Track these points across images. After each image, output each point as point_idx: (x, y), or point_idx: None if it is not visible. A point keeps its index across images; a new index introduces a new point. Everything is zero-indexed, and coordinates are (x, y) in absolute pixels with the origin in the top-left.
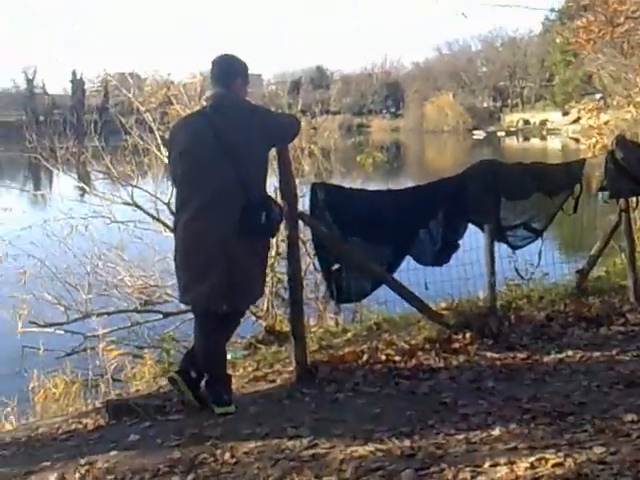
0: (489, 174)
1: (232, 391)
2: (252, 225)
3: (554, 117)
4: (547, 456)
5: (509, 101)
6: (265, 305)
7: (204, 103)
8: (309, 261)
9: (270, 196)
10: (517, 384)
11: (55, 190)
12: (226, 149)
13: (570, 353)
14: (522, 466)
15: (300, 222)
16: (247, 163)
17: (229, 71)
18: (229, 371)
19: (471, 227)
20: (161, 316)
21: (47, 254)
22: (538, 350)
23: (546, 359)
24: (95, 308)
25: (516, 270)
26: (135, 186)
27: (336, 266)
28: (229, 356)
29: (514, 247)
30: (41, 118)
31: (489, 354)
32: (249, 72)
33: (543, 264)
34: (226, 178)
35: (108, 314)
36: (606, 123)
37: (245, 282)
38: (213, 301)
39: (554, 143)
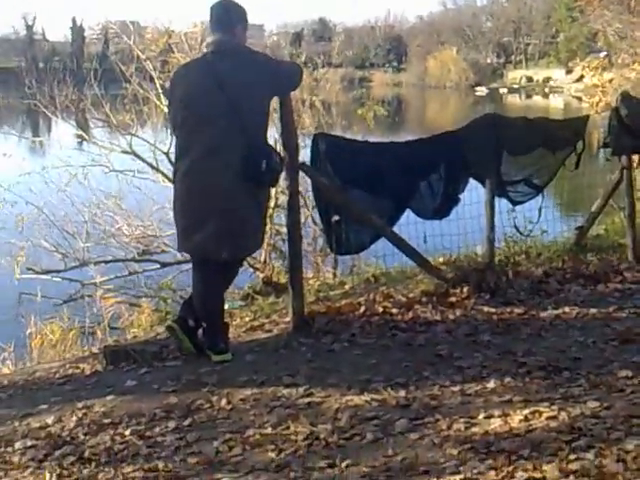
0: (492, 128)
1: (229, 339)
2: (252, 173)
3: (557, 75)
4: (541, 409)
5: (513, 57)
6: (263, 257)
7: (205, 50)
8: (307, 214)
9: (271, 145)
10: (513, 338)
11: (54, 137)
12: (227, 96)
13: (567, 309)
14: (516, 418)
15: (300, 173)
16: (248, 110)
17: (229, 17)
18: (226, 320)
19: (471, 182)
20: (158, 266)
21: (45, 201)
22: (535, 306)
23: (542, 314)
24: (92, 256)
25: (515, 226)
26: (134, 135)
27: (336, 217)
28: (226, 306)
29: (515, 202)
30: (40, 65)
31: (486, 308)
32: (251, 23)
33: (542, 221)
34: (227, 125)
35: (105, 262)
36: (610, 81)
37: (245, 231)
38: (212, 249)
39: (557, 101)
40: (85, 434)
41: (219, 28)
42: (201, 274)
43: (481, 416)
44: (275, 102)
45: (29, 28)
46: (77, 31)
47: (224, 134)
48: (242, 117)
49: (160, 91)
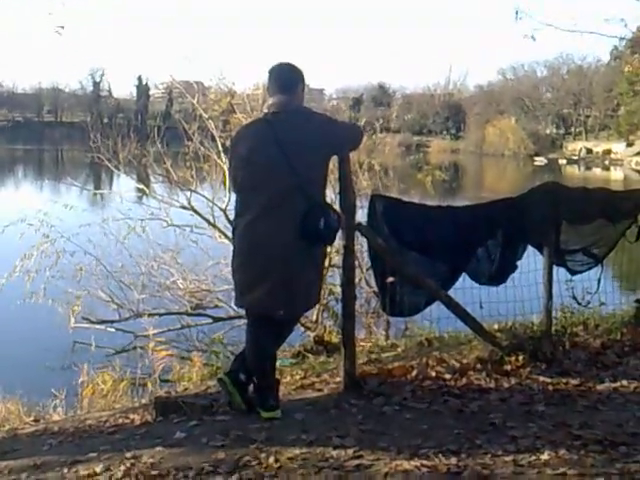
0: (552, 196)
1: (279, 397)
2: (310, 230)
3: (618, 147)
4: None
5: (572, 129)
6: (315, 316)
7: (265, 111)
8: (361, 275)
9: (329, 204)
10: (568, 410)
11: (115, 191)
12: (286, 155)
13: (625, 382)
14: None
15: (356, 233)
16: (307, 169)
17: (290, 78)
18: (277, 377)
19: (529, 248)
20: (211, 320)
21: (103, 253)
22: (592, 377)
23: (599, 387)
24: (147, 308)
25: (573, 296)
26: (193, 191)
27: (391, 279)
28: (277, 363)
29: (573, 272)
30: (105, 120)
31: (541, 378)
32: (312, 87)
33: (601, 292)
34: (286, 183)
35: (159, 315)
36: None
37: (302, 288)
38: (269, 306)
39: (617, 173)
40: None
41: (279, 90)
42: (256, 330)
43: None
44: (333, 162)
45: (96, 84)
46: (142, 89)
47: (283, 193)
48: (301, 176)
49: (221, 149)
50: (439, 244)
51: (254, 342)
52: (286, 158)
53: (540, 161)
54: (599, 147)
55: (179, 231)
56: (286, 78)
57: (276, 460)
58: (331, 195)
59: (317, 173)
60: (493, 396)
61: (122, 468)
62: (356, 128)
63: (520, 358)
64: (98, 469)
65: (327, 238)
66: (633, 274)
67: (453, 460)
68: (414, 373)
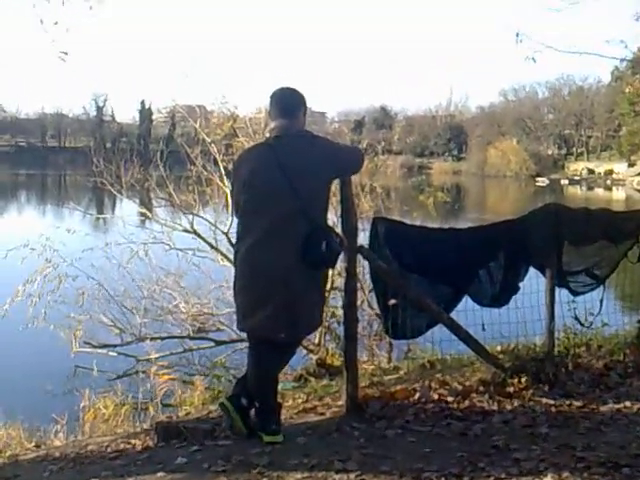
0: (554, 217)
1: (281, 421)
2: (313, 253)
3: (620, 168)
4: None
5: (574, 149)
6: (317, 338)
7: (267, 135)
8: (363, 297)
9: (331, 226)
10: (572, 432)
11: (117, 215)
12: (288, 179)
13: (628, 404)
14: None
15: (358, 256)
16: (309, 192)
17: (292, 102)
18: (279, 401)
19: (531, 270)
20: (213, 344)
21: (106, 277)
22: (595, 399)
23: (603, 408)
24: (149, 332)
25: (576, 317)
26: (196, 214)
27: (393, 301)
28: (279, 387)
29: (575, 293)
30: (108, 145)
31: (544, 400)
32: (313, 110)
33: (603, 313)
34: (288, 207)
35: (161, 339)
36: None
37: (304, 312)
38: (271, 329)
39: (619, 194)
40: None
41: (280, 114)
42: (257, 354)
43: None
44: (335, 184)
45: (99, 109)
46: (145, 113)
47: (285, 216)
48: (303, 199)
49: (223, 173)
50: (441, 266)
51: (256, 365)
52: (288, 182)
53: (542, 182)
54: (601, 167)
55: (181, 255)
56: (288, 102)
57: None
58: (333, 218)
59: (319, 196)
60: (496, 418)
61: None
62: (357, 151)
63: (523, 380)
64: None
65: (329, 261)
66: (636, 295)
67: None
68: (417, 396)
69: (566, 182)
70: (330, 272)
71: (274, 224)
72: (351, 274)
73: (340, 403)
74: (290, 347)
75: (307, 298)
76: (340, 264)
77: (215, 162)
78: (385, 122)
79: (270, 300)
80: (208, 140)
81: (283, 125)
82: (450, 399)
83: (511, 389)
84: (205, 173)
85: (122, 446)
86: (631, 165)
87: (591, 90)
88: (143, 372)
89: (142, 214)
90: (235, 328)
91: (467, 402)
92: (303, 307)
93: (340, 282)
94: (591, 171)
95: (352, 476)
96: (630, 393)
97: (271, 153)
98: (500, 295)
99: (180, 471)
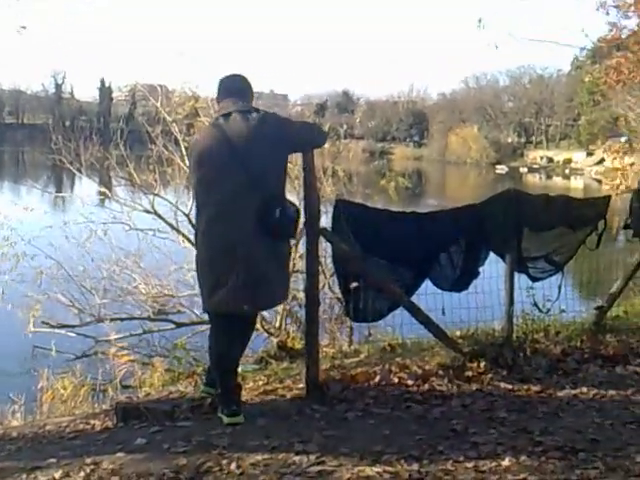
0: (513, 203)
1: (241, 402)
2: (267, 221)
3: (578, 157)
4: None
5: (533, 138)
6: (278, 321)
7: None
8: (324, 280)
9: (286, 197)
10: (529, 416)
11: (77, 194)
12: (239, 153)
13: (584, 389)
14: None
15: (320, 238)
16: (261, 166)
17: (241, 86)
18: (239, 382)
19: (491, 255)
20: (173, 326)
21: (65, 256)
22: (552, 384)
23: (560, 394)
24: (108, 313)
25: (534, 303)
26: (156, 195)
27: (354, 284)
28: (239, 369)
29: (534, 279)
30: (67, 123)
31: (502, 384)
32: (276, 92)
33: (562, 299)
34: (239, 181)
35: (121, 320)
36: (631, 165)
37: (265, 283)
38: (233, 303)
39: (577, 182)
40: None
41: (228, 94)
42: (218, 332)
43: None
44: (298, 168)
45: (58, 87)
46: (105, 91)
47: (237, 190)
48: (254, 173)
49: (184, 153)
50: (402, 250)
51: (217, 344)
52: (238, 156)
53: (501, 169)
54: (560, 156)
55: (142, 235)
56: (235, 85)
57: (238, 466)
58: (296, 201)
59: (272, 170)
60: (455, 402)
61: (82, 474)
62: (315, 127)
63: (482, 364)
64: (57, 475)
65: (285, 228)
66: (593, 282)
67: (415, 466)
68: (377, 379)
69: (525, 170)
70: (292, 254)
71: (227, 199)
72: (313, 256)
73: (301, 386)
74: (251, 321)
75: (266, 269)
76: (302, 247)
77: (176, 142)
78: (347, 106)
79: (231, 275)
80: (169, 119)
81: (231, 104)
82: (410, 382)
83: (470, 373)
84: (166, 153)
85: (81, 427)
86: (589, 154)
87: (551, 79)
88: (102, 353)
89: (102, 193)
90: (195, 310)
91: (427, 386)
92: (263, 278)
93: (302, 265)
94: (550, 159)
95: (312, 458)
96: (586, 379)
97: (219, 131)
98: (460, 279)
99: (140, 451)
